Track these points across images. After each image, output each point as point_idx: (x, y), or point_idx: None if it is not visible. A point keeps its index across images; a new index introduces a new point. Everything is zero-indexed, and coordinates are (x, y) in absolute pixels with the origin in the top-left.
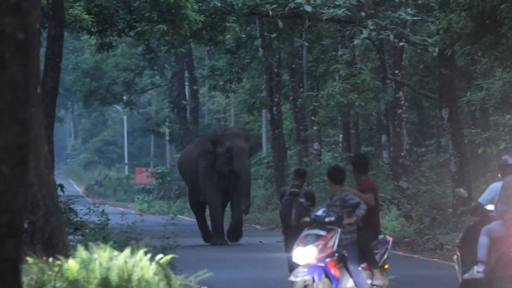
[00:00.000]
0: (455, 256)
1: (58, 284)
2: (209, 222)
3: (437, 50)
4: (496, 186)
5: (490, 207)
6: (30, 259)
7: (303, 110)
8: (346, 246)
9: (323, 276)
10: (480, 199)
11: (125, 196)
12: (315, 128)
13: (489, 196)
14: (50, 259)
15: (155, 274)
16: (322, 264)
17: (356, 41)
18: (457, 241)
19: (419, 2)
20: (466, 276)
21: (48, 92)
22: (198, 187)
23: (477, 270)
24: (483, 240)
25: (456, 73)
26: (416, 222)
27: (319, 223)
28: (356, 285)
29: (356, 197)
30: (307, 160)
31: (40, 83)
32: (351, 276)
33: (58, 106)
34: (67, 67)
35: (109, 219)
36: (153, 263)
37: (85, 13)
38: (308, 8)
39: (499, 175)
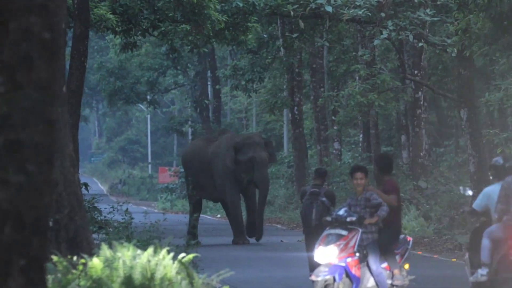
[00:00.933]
0: (465, 257)
1: (82, 283)
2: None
3: (455, 50)
4: (489, 190)
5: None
6: (55, 258)
7: (324, 110)
8: (367, 246)
9: (344, 275)
10: (474, 205)
11: (148, 195)
12: (335, 127)
13: (482, 201)
14: (75, 258)
15: (177, 273)
16: (343, 264)
17: (376, 42)
18: (467, 241)
19: (438, 3)
20: (472, 279)
21: (73, 91)
22: (208, 185)
23: (481, 273)
24: (485, 242)
25: (474, 73)
26: (435, 222)
27: (340, 222)
28: (377, 285)
29: (380, 197)
30: (328, 160)
31: (65, 83)
32: (372, 275)
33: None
34: (92, 67)
35: (132, 218)
36: (176, 262)
37: (110, 12)
38: (329, 9)
39: (491, 177)
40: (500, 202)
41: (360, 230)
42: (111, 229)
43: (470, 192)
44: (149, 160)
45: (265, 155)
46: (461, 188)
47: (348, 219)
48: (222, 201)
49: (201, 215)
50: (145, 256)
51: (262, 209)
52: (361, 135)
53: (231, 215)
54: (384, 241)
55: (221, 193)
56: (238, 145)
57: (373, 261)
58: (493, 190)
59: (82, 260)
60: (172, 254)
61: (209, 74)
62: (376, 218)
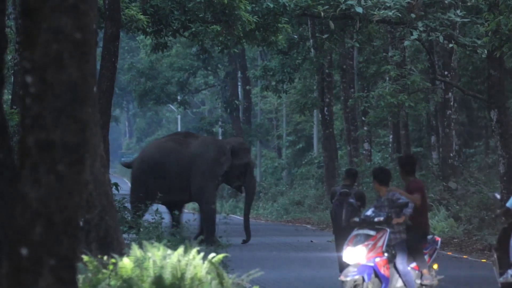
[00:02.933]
0: (493, 258)
1: (112, 282)
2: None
3: (486, 51)
4: None
5: None
6: (85, 257)
7: (354, 110)
8: (395, 246)
9: (372, 275)
10: (508, 204)
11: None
12: (365, 128)
13: None
14: (105, 258)
15: (207, 273)
16: (372, 264)
17: (406, 43)
18: (494, 242)
19: (469, 4)
20: (501, 279)
21: (104, 91)
22: (174, 187)
23: (511, 274)
24: None
25: (504, 74)
26: (465, 222)
27: (368, 223)
28: (405, 285)
29: (403, 196)
30: (358, 161)
31: (96, 83)
32: (400, 275)
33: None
34: (123, 67)
35: (162, 218)
36: (206, 262)
37: (140, 13)
38: (359, 10)
39: None
40: None
41: (388, 230)
42: (141, 229)
43: (498, 196)
44: None
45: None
46: (495, 194)
47: (376, 219)
48: (180, 202)
49: (231, 215)
50: (175, 256)
51: (249, 212)
52: (391, 136)
53: (207, 216)
54: (412, 241)
55: (196, 194)
56: (235, 149)
57: (400, 261)
58: None
59: (113, 260)
60: (202, 254)
61: (239, 74)
62: (403, 218)
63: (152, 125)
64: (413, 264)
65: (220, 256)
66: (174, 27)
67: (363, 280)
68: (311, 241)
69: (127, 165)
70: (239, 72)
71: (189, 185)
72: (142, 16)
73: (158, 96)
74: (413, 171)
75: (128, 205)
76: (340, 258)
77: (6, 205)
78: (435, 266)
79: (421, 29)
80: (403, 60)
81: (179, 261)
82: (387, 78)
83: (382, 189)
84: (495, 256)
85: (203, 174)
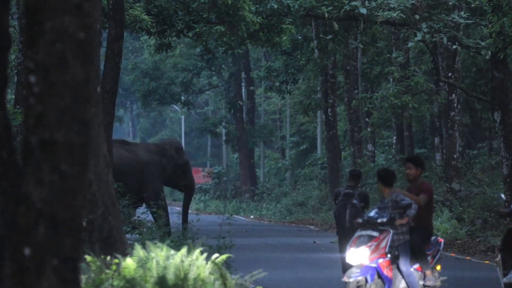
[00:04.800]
0: (497, 259)
1: (115, 283)
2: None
3: (489, 53)
4: None
5: None
6: (88, 258)
7: (358, 111)
8: (398, 247)
9: (375, 276)
10: None
11: (182, 196)
12: (369, 129)
13: None
14: (108, 258)
15: (211, 273)
16: (375, 265)
17: (410, 44)
18: (498, 243)
19: (473, 5)
20: (505, 280)
21: (108, 91)
22: (134, 191)
23: None
24: None
25: (508, 76)
26: (468, 224)
27: (371, 224)
28: (408, 286)
29: (407, 197)
30: (361, 162)
31: (100, 83)
32: (403, 277)
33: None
34: (127, 67)
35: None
36: (209, 263)
37: (144, 13)
38: (363, 11)
39: None
40: None
41: (391, 231)
42: (144, 229)
43: (503, 197)
44: None
45: None
46: (501, 195)
47: (379, 221)
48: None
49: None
50: (179, 257)
51: (188, 208)
52: (394, 137)
53: (166, 212)
54: (415, 242)
55: (151, 197)
56: (175, 150)
57: (403, 262)
58: None
59: (116, 260)
60: (205, 255)
61: (243, 75)
62: (406, 219)
63: (156, 126)
64: (416, 265)
65: (223, 256)
66: (178, 28)
67: (366, 281)
68: (314, 242)
69: None
70: (243, 72)
71: (141, 190)
72: (146, 17)
73: (162, 96)
74: (420, 173)
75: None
76: (343, 259)
77: (10, 205)
78: (438, 267)
79: (425, 30)
80: (407, 61)
81: (182, 261)
82: (391, 79)
83: (386, 190)
84: (499, 257)
85: (155, 178)
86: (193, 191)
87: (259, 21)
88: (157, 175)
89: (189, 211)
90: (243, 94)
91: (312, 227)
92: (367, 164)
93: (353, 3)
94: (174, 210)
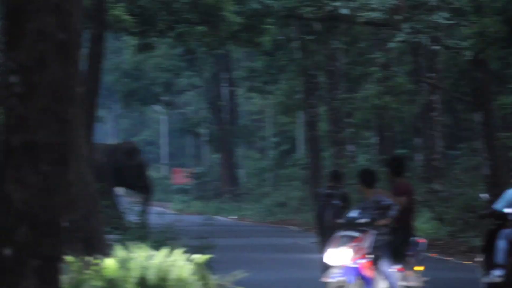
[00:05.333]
0: (479, 259)
1: (96, 283)
2: None
3: (470, 54)
4: (511, 192)
5: (508, 210)
6: (69, 258)
7: (339, 112)
8: (379, 247)
9: (356, 277)
10: (495, 205)
11: (163, 196)
12: (350, 130)
13: (504, 201)
14: (89, 258)
15: (192, 274)
16: (356, 266)
17: (391, 44)
18: (479, 244)
19: (454, 6)
20: (486, 280)
21: (89, 92)
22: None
23: (496, 275)
24: (501, 244)
25: (489, 76)
26: (449, 224)
27: (353, 224)
28: (389, 286)
29: (389, 199)
30: (342, 162)
31: (81, 83)
32: (384, 277)
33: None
34: (108, 68)
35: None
36: (190, 263)
37: (126, 14)
38: (345, 11)
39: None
40: None
41: (373, 232)
42: (126, 230)
43: (487, 197)
44: (164, 161)
45: None
46: (485, 195)
47: (360, 221)
48: None
49: (215, 216)
50: (160, 257)
51: (147, 212)
52: (375, 138)
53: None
54: (396, 242)
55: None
56: (130, 152)
57: (385, 262)
58: None
59: (97, 261)
60: (186, 255)
61: (224, 75)
62: (388, 219)
63: (137, 126)
64: (397, 266)
65: (205, 257)
66: (160, 28)
67: (347, 281)
68: (295, 243)
69: None
70: (224, 73)
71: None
72: (127, 17)
73: (143, 96)
74: (401, 173)
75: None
76: (324, 260)
77: None
78: (421, 268)
79: (407, 31)
80: (388, 62)
81: (163, 262)
82: (372, 80)
83: (368, 191)
84: (481, 257)
85: (107, 179)
86: (150, 193)
87: (240, 21)
88: (106, 175)
89: (170, 212)
90: (224, 94)
91: (292, 227)
92: (348, 164)
93: (335, 3)
94: (156, 210)
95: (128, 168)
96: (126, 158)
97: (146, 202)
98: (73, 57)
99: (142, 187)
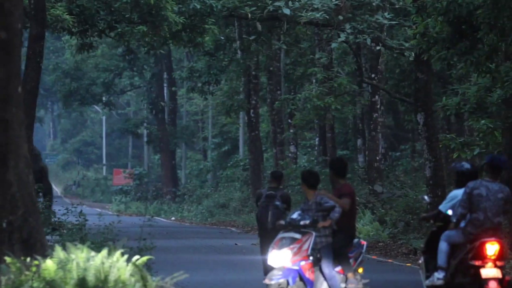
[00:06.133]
0: (420, 261)
1: (35, 284)
2: None
3: (413, 54)
4: (455, 194)
5: (450, 212)
6: (8, 259)
7: (280, 113)
8: (320, 249)
9: (297, 279)
10: (440, 207)
11: (103, 197)
12: (291, 131)
13: (448, 203)
14: (28, 259)
15: (131, 275)
16: (297, 267)
17: (333, 45)
18: (421, 245)
19: (397, 6)
20: (427, 282)
21: (29, 91)
22: None
23: (437, 277)
24: (443, 246)
25: (432, 77)
26: (390, 226)
27: (294, 226)
28: None
29: (331, 200)
30: (284, 163)
31: (20, 83)
32: (325, 279)
33: (38, 106)
34: (48, 67)
35: (86, 220)
36: (130, 264)
37: (66, 13)
38: (287, 11)
39: (455, 181)
40: (461, 206)
41: (314, 234)
42: (65, 230)
43: (427, 199)
44: (104, 161)
45: None
46: (425, 197)
47: (302, 223)
48: None
49: (155, 217)
50: (99, 258)
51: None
52: (317, 139)
53: None
54: (337, 244)
55: None
56: (37, 156)
57: (326, 264)
58: (458, 193)
59: (36, 262)
60: (126, 257)
61: (165, 76)
62: (329, 221)
63: (77, 126)
64: (338, 268)
65: (144, 258)
66: (100, 27)
67: (288, 283)
68: (236, 244)
69: None
70: (165, 73)
71: None
72: (67, 16)
73: (83, 97)
74: (343, 175)
75: (52, 206)
76: (265, 261)
77: None
78: (360, 270)
79: (349, 31)
80: (330, 62)
81: (102, 263)
82: (314, 81)
83: (310, 192)
84: (422, 259)
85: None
86: (51, 197)
87: (181, 21)
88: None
89: (110, 212)
90: (165, 95)
91: (233, 229)
92: (290, 165)
93: (277, 3)
94: (95, 211)
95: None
96: (35, 161)
97: (46, 207)
98: (13, 57)
99: (45, 193)
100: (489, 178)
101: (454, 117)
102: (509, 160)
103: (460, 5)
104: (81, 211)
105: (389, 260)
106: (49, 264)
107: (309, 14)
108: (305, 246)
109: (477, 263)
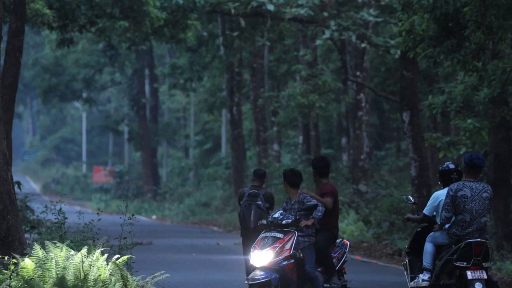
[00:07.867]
0: (404, 262)
1: (13, 283)
2: None
3: (399, 52)
4: (438, 194)
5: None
6: None
7: (264, 110)
8: (303, 249)
9: (279, 278)
10: (425, 210)
11: (83, 195)
12: (275, 129)
13: (432, 206)
14: (6, 258)
15: (111, 274)
16: (279, 267)
17: (318, 42)
18: (406, 246)
19: (382, 3)
20: (412, 284)
21: (8, 87)
22: None
23: (423, 278)
24: (428, 247)
25: (418, 76)
26: (375, 226)
27: (276, 225)
28: None
29: (314, 199)
30: (267, 162)
31: None
32: (308, 279)
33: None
34: (27, 63)
35: (66, 218)
36: (110, 263)
37: (46, 7)
38: (271, 7)
39: (439, 182)
40: (445, 209)
41: (296, 233)
42: (44, 229)
43: (411, 199)
44: (84, 159)
45: None
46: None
47: (284, 222)
48: None
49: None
50: (79, 257)
51: None
52: (301, 137)
53: None
54: (320, 244)
55: None
56: None
57: (308, 264)
58: (442, 194)
59: (14, 260)
60: (106, 255)
61: (147, 72)
62: (312, 220)
63: (56, 123)
64: (321, 268)
65: (125, 257)
66: (81, 23)
67: (270, 283)
68: (218, 244)
69: None
70: (147, 69)
71: None
72: (47, 11)
73: (63, 93)
74: (326, 174)
75: (30, 204)
76: (247, 261)
77: None
78: (343, 270)
79: (334, 28)
80: (314, 59)
81: (82, 262)
82: (298, 78)
83: (293, 191)
84: (407, 260)
85: None
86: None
87: (164, 16)
88: None
89: (89, 211)
90: (147, 91)
91: (215, 228)
92: (273, 164)
93: None
94: (74, 209)
95: None
96: None
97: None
98: None
99: None
100: (470, 178)
101: (440, 116)
102: (495, 160)
103: (446, 2)
104: (60, 209)
105: (373, 261)
106: (28, 263)
107: (293, 10)
108: (288, 246)
109: (463, 264)
